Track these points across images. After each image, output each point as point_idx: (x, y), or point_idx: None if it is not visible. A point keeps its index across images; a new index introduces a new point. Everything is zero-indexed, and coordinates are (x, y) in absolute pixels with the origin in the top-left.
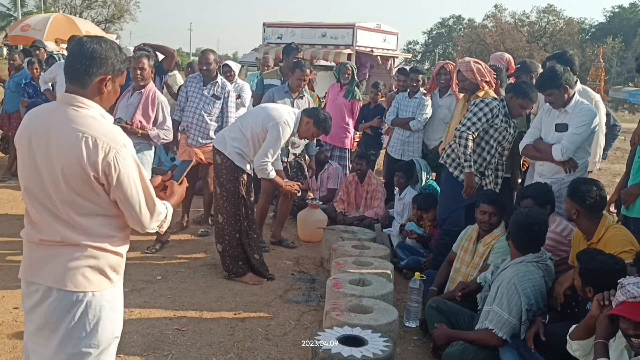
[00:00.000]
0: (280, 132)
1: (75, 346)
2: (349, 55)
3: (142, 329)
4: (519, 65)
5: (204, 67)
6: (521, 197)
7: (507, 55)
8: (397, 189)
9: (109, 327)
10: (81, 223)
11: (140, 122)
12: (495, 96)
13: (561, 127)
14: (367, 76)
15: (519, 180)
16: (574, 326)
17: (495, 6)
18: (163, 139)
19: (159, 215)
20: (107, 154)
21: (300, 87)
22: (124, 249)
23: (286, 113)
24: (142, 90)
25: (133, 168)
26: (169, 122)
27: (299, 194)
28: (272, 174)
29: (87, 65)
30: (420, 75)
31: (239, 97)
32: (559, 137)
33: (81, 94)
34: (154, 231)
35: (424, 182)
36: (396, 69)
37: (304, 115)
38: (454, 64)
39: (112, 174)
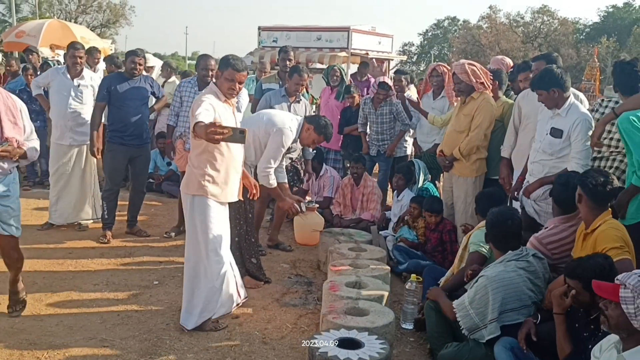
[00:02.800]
0: (284, 138)
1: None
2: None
3: (139, 334)
4: (512, 70)
5: (206, 73)
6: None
7: (508, 60)
8: (395, 190)
9: (201, 219)
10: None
11: (17, 140)
12: (492, 97)
13: (556, 133)
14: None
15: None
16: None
17: (490, 7)
18: (36, 150)
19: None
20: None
21: (298, 91)
22: (208, 175)
23: (289, 120)
24: None
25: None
26: (34, 130)
27: (298, 212)
28: (274, 183)
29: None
30: (403, 76)
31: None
32: (551, 141)
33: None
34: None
35: (420, 184)
36: (392, 71)
37: (305, 122)
38: (447, 66)
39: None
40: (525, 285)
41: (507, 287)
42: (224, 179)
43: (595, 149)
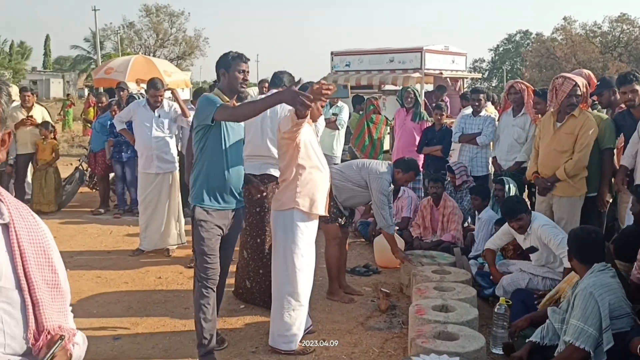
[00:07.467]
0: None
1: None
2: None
3: (230, 357)
4: (599, 83)
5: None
6: None
7: (586, 71)
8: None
9: (290, 237)
10: None
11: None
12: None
13: None
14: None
15: (609, 200)
16: None
17: (565, 18)
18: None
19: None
20: None
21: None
22: (298, 187)
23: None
24: None
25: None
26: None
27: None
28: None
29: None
30: (482, 95)
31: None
32: None
33: None
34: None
35: None
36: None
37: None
38: (525, 83)
39: None
40: (621, 292)
41: (609, 292)
42: (311, 189)
43: None
